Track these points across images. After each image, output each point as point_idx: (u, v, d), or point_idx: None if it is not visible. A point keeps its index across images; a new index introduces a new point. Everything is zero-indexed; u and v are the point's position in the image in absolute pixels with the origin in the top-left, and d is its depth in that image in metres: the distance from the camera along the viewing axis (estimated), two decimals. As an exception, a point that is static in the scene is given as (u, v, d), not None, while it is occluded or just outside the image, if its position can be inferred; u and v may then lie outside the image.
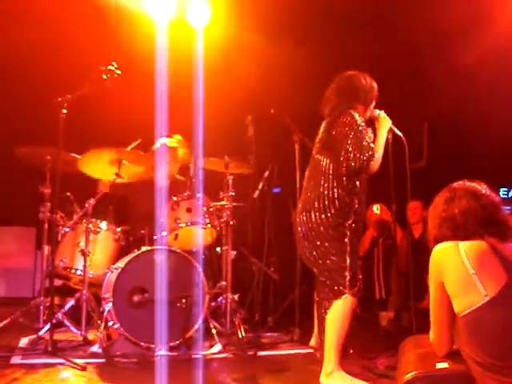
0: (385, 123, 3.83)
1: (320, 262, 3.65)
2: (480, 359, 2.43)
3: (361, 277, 3.66)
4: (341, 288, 3.57)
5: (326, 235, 3.62)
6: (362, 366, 4.09)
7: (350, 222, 3.65)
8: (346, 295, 3.56)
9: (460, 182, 2.75)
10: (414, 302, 4.63)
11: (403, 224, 6.40)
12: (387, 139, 3.92)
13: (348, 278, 3.57)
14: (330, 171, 3.67)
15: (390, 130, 3.92)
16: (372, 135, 3.75)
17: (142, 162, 5.09)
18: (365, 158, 3.55)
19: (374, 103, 3.89)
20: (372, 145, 3.63)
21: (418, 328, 3.99)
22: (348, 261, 3.58)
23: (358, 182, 3.69)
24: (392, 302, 6.21)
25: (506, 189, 8.34)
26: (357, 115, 3.65)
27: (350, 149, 3.55)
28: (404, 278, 5.96)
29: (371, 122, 3.89)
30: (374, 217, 6.82)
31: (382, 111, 3.91)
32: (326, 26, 6.70)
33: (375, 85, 3.89)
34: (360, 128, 3.61)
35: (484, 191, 2.69)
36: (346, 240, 3.62)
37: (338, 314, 3.56)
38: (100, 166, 4.97)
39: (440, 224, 2.67)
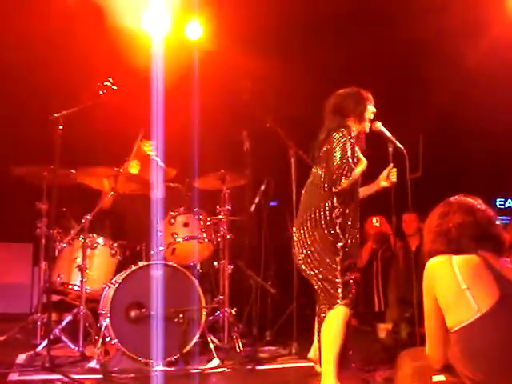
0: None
1: (315, 272, 3.66)
2: (472, 375, 2.41)
3: (354, 289, 3.67)
4: (333, 298, 3.58)
5: (319, 247, 3.64)
6: (361, 378, 4.06)
7: (343, 235, 3.67)
8: (339, 305, 3.56)
9: (456, 197, 2.71)
10: (416, 313, 4.58)
11: (402, 236, 6.41)
12: (388, 152, 3.94)
13: (340, 289, 3.58)
14: (324, 185, 3.71)
15: (392, 142, 3.94)
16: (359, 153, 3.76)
17: (137, 179, 5.11)
18: (341, 173, 3.59)
19: (369, 113, 3.88)
20: (353, 165, 3.65)
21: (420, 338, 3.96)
22: (340, 273, 3.59)
23: (349, 197, 3.71)
24: (389, 313, 6.19)
25: (502, 199, 8.37)
26: (346, 132, 3.69)
27: (335, 164, 3.61)
28: (402, 289, 5.96)
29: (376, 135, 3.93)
30: (373, 229, 6.82)
31: (379, 122, 3.93)
32: (319, 39, 6.75)
33: (368, 96, 3.89)
34: (344, 144, 3.64)
35: (479, 206, 2.65)
36: (339, 254, 3.63)
37: (331, 324, 3.56)
38: (96, 180, 4.97)
39: (434, 238, 2.63)
